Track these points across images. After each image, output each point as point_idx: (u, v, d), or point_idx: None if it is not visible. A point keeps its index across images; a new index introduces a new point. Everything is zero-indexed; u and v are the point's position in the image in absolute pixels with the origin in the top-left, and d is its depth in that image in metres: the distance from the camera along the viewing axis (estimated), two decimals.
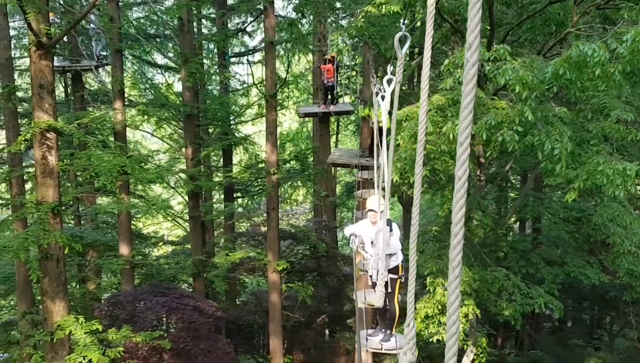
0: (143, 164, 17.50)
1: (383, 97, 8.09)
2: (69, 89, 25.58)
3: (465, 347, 16.42)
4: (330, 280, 23.16)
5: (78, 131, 13.95)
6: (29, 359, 13.63)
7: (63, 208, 26.32)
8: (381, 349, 9.30)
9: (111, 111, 17.55)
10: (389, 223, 8.69)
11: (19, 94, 20.96)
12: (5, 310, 22.89)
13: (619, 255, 14.16)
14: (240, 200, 29.35)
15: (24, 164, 18.64)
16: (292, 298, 22.93)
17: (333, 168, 23.76)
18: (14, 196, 16.37)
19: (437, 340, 14.34)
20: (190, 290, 22.48)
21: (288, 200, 38.82)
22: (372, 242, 8.80)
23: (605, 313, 28.45)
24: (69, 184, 23.70)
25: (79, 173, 17.35)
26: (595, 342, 27.96)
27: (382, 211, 8.76)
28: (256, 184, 26.25)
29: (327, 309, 23.28)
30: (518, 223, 25.37)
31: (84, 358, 12.22)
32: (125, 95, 23.02)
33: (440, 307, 14.05)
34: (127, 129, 28.88)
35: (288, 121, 39.35)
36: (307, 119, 29.47)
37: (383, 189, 9.65)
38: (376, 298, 7.85)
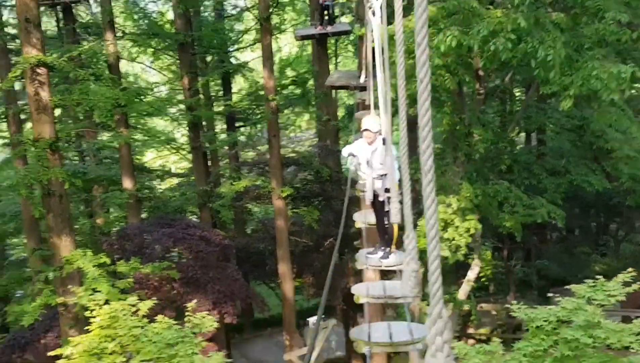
0: (141, 96, 17.26)
1: (374, 13, 7.77)
2: (60, 23, 24.98)
3: (470, 261, 16.56)
4: (335, 204, 23.18)
5: (68, 65, 13.68)
6: (41, 294, 13.85)
7: (66, 144, 26.39)
8: (381, 266, 9.30)
9: (103, 43, 17.12)
10: (384, 142, 8.54)
11: (11, 30, 20.53)
12: (18, 249, 23.16)
13: (618, 161, 14.00)
14: (242, 129, 29.13)
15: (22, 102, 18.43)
16: (299, 223, 23.02)
17: (334, 91, 23.35)
18: (12, 135, 16.26)
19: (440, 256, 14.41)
20: (197, 220, 22.60)
21: (292, 126, 38.59)
22: (367, 162, 8.66)
23: (611, 219, 28.59)
24: (70, 121, 23.56)
25: (74, 108, 17.12)
26: (601, 249, 28.22)
27: (378, 131, 8.60)
28: (257, 111, 25.97)
29: (334, 232, 23.40)
30: (524, 135, 25.06)
31: (94, 291, 12.36)
32: (119, 26, 22.46)
33: (442, 224, 14.06)
34: (127, 62, 28.52)
35: (289, 45, 38.51)
36: (306, 43, 28.80)
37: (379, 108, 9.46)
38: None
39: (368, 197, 8.89)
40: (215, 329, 15.60)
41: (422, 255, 12.47)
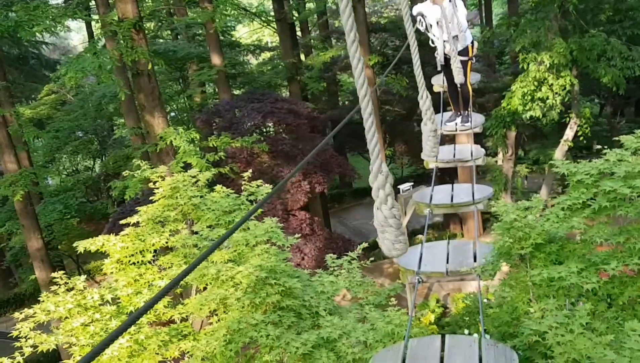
0: None
1: None
2: None
3: (567, 119, 15.84)
4: (428, 70, 22.50)
5: None
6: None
7: (159, 23, 26.86)
8: (456, 130, 9.12)
9: None
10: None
11: None
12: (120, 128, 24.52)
13: None
14: None
15: None
16: (391, 92, 22.69)
17: None
18: (100, 16, 16.67)
19: (530, 116, 13.86)
20: (287, 94, 22.79)
21: None
22: (437, 23, 8.23)
23: None
24: None
25: None
26: None
27: None
28: None
29: None
30: None
31: (185, 164, 12.98)
32: None
33: (534, 83, 13.40)
34: None
35: None
36: None
37: None
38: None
39: (439, 61, 8.56)
40: (307, 197, 16.36)
41: (513, 117, 11.96)
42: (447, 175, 22.04)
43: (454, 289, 16.57)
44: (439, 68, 8.74)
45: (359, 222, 25.63)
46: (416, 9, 8.50)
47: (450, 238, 21.32)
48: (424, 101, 3.08)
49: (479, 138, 19.50)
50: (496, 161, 17.22)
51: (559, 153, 16.06)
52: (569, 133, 15.90)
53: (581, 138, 15.66)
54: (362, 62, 1.73)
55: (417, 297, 16.63)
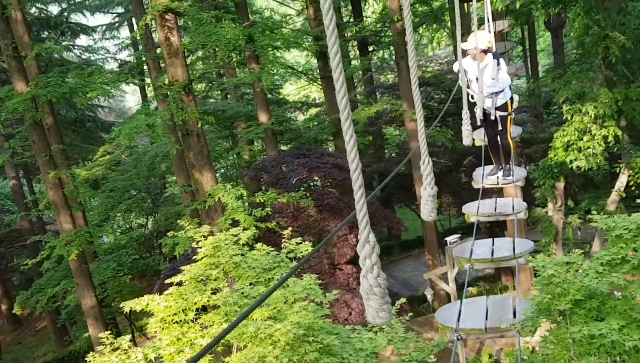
0: (267, 31, 17.64)
1: None
2: None
3: (617, 169, 15.56)
4: (474, 121, 22.53)
5: (193, 9, 14.31)
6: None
7: (209, 84, 27.82)
8: (498, 184, 9.10)
9: None
10: (495, 56, 8.21)
11: None
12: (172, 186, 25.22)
13: None
14: (378, 53, 28.87)
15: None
16: (437, 144, 22.74)
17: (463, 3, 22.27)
18: (152, 79, 17.44)
19: (577, 166, 13.67)
20: (333, 149, 23.08)
21: (430, 45, 37.53)
22: (477, 79, 8.35)
23: None
24: (211, 61, 24.73)
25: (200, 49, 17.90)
26: None
27: (486, 48, 8.24)
28: (389, 34, 25.57)
29: (473, 150, 22.88)
30: None
31: (232, 220, 13.24)
32: None
33: (577, 134, 13.28)
34: None
35: None
36: None
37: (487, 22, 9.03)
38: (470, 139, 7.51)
39: (478, 115, 8.63)
40: (354, 251, 16.36)
41: (560, 168, 11.74)
42: (497, 226, 21.75)
43: (507, 343, 16.13)
44: (478, 123, 8.80)
45: (407, 274, 25.37)
46: (457, 65, 8.64)
47: (501, 290, 20.87)
48: (425, 166, 3.17)
49: (527, 189, 19.38)
50: (546, 212, 16.92)
51: (611, 203, 15.73)
52: (620, 183, 15.59)
53: (633, 188, 15.31)
54: (352, 129, 1.87)
55: (469, 352, 16.25)
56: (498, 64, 8.30)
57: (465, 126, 7.12)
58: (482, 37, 8.04)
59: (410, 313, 9.21)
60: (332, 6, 1.83)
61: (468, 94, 8.67)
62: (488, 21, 9.47)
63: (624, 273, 4.78)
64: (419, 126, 3.01)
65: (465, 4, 23.17)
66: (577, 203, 21.62)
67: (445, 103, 22.71)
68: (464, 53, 8.45)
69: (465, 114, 7.16)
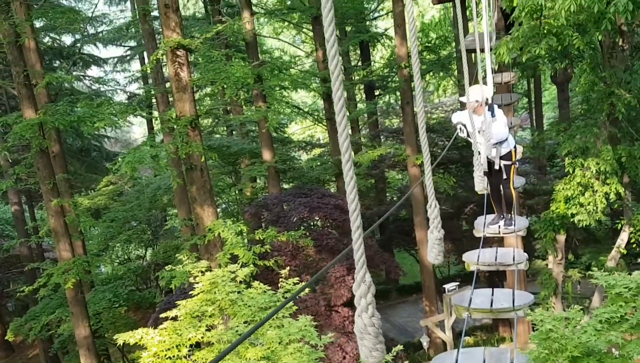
0: (276, 71, 17.90)
1: None
2: (207, 6, 26.41)
3: (619, 226, 15.54)
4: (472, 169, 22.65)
5: (204, 46, 14.53)
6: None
7: (216, 120, 28.04)
8: (499, 233, 9.10)
9: (238, 22, 17.90)
10: (491, 108, 8.30)
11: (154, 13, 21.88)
12: (172, 219, 25.24)
13: None
14: (381, 97, 29.18)
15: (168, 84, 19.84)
16: (439, 191, 22.82)
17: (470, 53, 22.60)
18: (160, 113, 17.60)
19: (579, 220, 13.66)
20: (335, 190, 23.14)
21: (436, 92, 37.93)
22: (478, 131, 8.42)
23: None
24: (219, 98, 24.99)
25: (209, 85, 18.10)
26: None
27: (483, 100, 8.31)
28: (396, 79, 25.92)
29: (474, 198, 22.92)
30: None
31: (232, 255, 13.21)
32: (258, 3, 23.27)
33: (580, 188, 13.32)
34: (271, 38, 29.59)
35: (434, 9, 37.74)
36: (448, 5, 28.01)
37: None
38: (483, 184, 7.56)
39: (482, 165, 8.68)
40: (351, 293, 16.26)
41: (562, 221, 11.75)
42: (497, 276, 21.64)
43: None
44: (481, 173, 8.83)
45: (404, 320, 25.14)
46: (455, 118, 8.73)
47: (498, 342, 20.64)
48: (432, 210, 3.21)
49: (528, 241, 19.35)
50: (546, 264, 16.86)
51: (612, 259, 15.68)
52: (621, 240, 15.56)
53: (634, 246, 15.27)
54: (353, 171, 1.91)
55: None
56: (493, 115, 8.35)
57: (477, 173, 7.20)
58: (475, 92, 8.11)
59: (407, 361, 9.10)
60: (337, 52, 1.89)
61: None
62: (486, 74, 9.59)
63: (622, 331, 4.76)
64: (426, 170, 3.05)
65: (473, 54, 23.53)
66: (577, 257, 21.56)
67: (449, 150, 22.89)
68: (462, 105, 8.58)
69: (477, 160, 7.24)
